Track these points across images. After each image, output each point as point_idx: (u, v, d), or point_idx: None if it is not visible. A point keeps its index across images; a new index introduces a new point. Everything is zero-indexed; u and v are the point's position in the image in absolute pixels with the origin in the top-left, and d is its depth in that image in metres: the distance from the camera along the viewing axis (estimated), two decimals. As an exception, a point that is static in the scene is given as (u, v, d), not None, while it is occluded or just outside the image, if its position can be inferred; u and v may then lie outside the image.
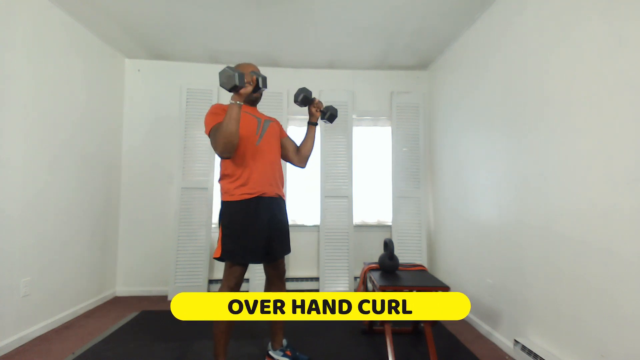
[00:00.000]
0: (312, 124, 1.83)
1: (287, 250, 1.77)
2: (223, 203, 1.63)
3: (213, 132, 1.53)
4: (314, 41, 2.83)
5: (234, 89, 1.41)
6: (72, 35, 2.49)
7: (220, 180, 1.67)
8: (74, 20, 2.49)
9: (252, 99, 1.73)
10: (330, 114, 1.83)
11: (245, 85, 1.45)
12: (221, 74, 1.40)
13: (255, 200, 1.60)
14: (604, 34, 1.43)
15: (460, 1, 2.23)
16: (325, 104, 1.78)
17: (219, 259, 1.58)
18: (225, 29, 2.63)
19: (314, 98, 1.78)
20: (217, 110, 1.59)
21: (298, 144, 1.89)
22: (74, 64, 2.51)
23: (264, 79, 1.57)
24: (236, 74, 1.38)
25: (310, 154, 1.87)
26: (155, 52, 3.07)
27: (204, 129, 3.12)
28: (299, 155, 1.86)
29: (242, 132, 1.60)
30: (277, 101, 3.25)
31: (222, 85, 1.41)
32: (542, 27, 1.78)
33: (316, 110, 1.80)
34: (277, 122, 1.84)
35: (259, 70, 1.72)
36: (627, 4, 1.34)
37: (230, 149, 1.48)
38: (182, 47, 2.97)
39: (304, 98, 1.72)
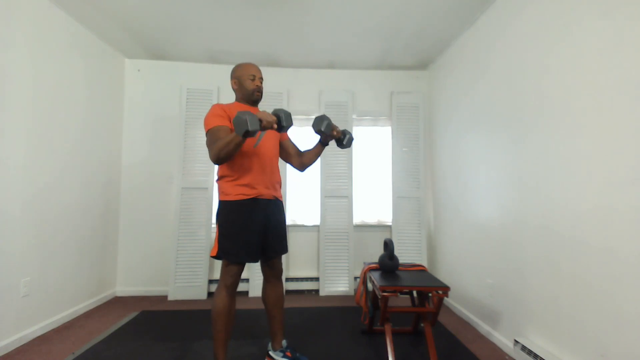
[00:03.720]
0: (322, 143, 1.80)
1: (284, 250, 1.78)
2: (220, 202, 1.65)
3: (209, 136, 1.55)
4: (314, 41, 2.83)
5: (247, 134, 1.36)
6: (72, 36, 2.49)
7: (217, 180, 1.68)
8: (74, 20, 2.49)
9: (254, 99, 1.73)
10: (348, 139, 1.75)
11: (262, 128, 1.41)
12: (235, 120, 1.37)
13: (251, 201, 1.62)
14: (603, 33, 1.43)
15: (460, 1, 2.23)
16: (341, 129, 1.72)
17: (215, 257, 1.60)
18: (225, 29, 2.63)
19: (333, 126, 1.71)
20: (217, 111, 1.60)
21: (300, 148, 1.88)
22: (74, 64, 2.51)
23: (288, 116, 1.50)
24: (247, 119, 1.33)
25: (311, 164, 1.86)
26: (155, 52, 3.07)
27: (204, 128, 3.16)
28: (300, 161, 1.85)
29: None
30: (277, 101, 3.25)
31: (237, 132, 1.37)
32: (542, 26, 1.78)
33: (335, 133, 1.73)
34: None
35: (259, 70, 1.72)
36: (627, 4, 1.34)
37: (222, 162, 1.52)
38: (182, 47, 2.97)
39: (327, 126, 1.65)
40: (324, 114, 1.72)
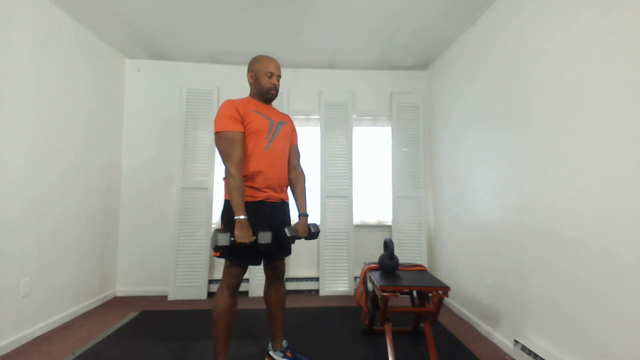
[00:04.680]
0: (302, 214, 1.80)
1: (287, 252, 1.77)
2: (226, 202, 1.61)
3: (225, 142, 1.53)
4: (314, 41, 2.83)
5: (217, 249, 1.42)
6: (72, 36, 2.49)
7: (225, 178, 1.63)
8: (74, 20, 2.49)
9: (268, 97, 1.69)
10: (315, 232, 1.77)
11: (234, 244, 1.44)
12: (212, 235, 1.44)
13: (258, 204, 1.60)
14: (603, 33, 1.43)
15: (460, 1, 2.23)
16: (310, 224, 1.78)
17: (218, 255, 1.57)
18: (225, 29, 2.63)
19: (301, 232, 1.71)
20: (231, 112, 1.55)
21: (300, 160, 1.88)
22: (74, 64, 2.51)
23: (266, 236, 1.47)
24: (219, 238, 1.40)
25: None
26: (155, 52, 3.07)
27: (206, 128, 3.17)
28: (291, 179, 1.82)
29: (252, 134, 1.59)
30: (277, 101, 3.24)
31: (210, 243, 1.44)
32: (542, 26, 1.78)
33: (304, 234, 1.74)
34: (291, 124, 1.82)
35: (277, 67, 1.68)
36: (626, 4, 1.34)
37: None
38: (182, 47, 2.97)
39: (293, 237, 1.63)
40: (285, 230, 1.62)
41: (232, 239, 1.45)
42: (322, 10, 2.37)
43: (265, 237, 1.48)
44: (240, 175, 1.52)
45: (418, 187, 3.28)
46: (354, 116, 3.39)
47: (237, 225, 1.46)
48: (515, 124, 2.00)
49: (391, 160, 3.32)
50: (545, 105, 1.75)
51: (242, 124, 1.57)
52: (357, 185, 3.35)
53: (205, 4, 2.30)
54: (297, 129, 3.32)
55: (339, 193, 3.24)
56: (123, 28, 2.65)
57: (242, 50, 2.99)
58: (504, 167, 2.10)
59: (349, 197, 3.24)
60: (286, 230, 1.61)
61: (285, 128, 1.73)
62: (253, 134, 1.59)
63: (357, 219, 3.33)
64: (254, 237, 1.48)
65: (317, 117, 3.37)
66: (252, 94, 1.72)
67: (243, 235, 1.45)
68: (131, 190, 3.14)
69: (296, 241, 1.68)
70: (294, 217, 1.79)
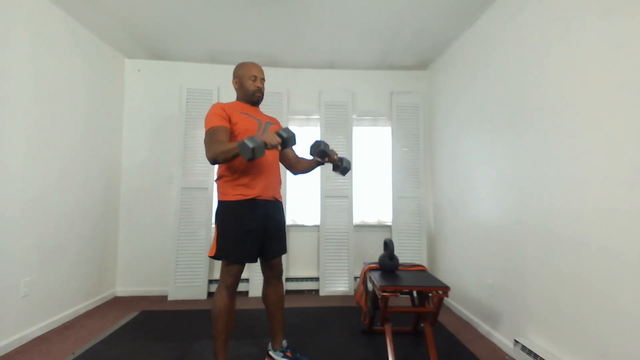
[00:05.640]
0: (318, 162, 1.79)
1: (283, 250, 1.78)
2: (219, 202, 1.65)
3: (207, 136, 1.55)
4: (314, 41, 2.83)
5: (252, 159, 1.37)
6: (72, 36, 2.49)
7: (217, 179, 1.69)
8: (74, 20, 2.49)
9: (254, 100, 1.73)
10: (344, 167, 1.75)
11: (268, 149, 1.41)
12: (240, 146, 1.37)
13: (250, 202, 1.62)
14: (603, 33, 1.43)
15: (460, 1, 2.23)
16: (340, 154, 1.74)
17: (213, 257, 1.59)
18: (225, 29, 2.63)
19: (331, 151, 1.70)
20: (217, 111, 1.60)
21: (298, 153, 1.90)
22: (74, 64, 2.51)
23: (291, 137, 1.47)
24: (250, 147, 1.33)
25: (304, 174, 1.88)
26: (155, 52, 3.07)
27: (204, 127, 3.16)
28: (295, 168, 1.86)
29: (241, 133, 1.62)
30: (277, 101, 3.25)
31: (243, 157, 1.38)
32: (542, 26, 1.78)
33: (329, 161, 1.73)
34: (279, 125, 1.84)
35: (261, 70, 1.72)
36: (627, 4, 1.34)
37: (217, 163, 1.53)
38: (182, 47, 2.97)
39: (321, 152, 1.64)
40: (321, 140, 1.68)
41: (265, 144, 1.38)
42: (322, 10, 2.37)
43: (286, 131, 1.47)
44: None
45: (418, 187, 3.28)
46: (354, 116, 3.39)
47: (254, 140, 1.36)
48: (515, 124, 2.00)
49: (391, 160, 3.32)
50: (545, 105, 1.75)
51: (229, 121, 1.61)
52: (357, 185, 3.35)
53: (205, 4, 2.30)
54: (297, 129, 3.37)
55: (339, 193, 3.24)
56: (123, 28, 2.65)
57: (242, 50, 2.99)
58: (504, 167, 2.10)
59: (349, 197, 3.24)
60: (321, 144, 1.63)
61: (274, 129, 1.75)
62: (242, 133, 1.61)
63: (357, 219, 3.33)
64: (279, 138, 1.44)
65: (317, 117, 3.37)
66: (238, 98, 1.77)
67: (268, 136, 1.40)
68: (131, 190, 3.14)
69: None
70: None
